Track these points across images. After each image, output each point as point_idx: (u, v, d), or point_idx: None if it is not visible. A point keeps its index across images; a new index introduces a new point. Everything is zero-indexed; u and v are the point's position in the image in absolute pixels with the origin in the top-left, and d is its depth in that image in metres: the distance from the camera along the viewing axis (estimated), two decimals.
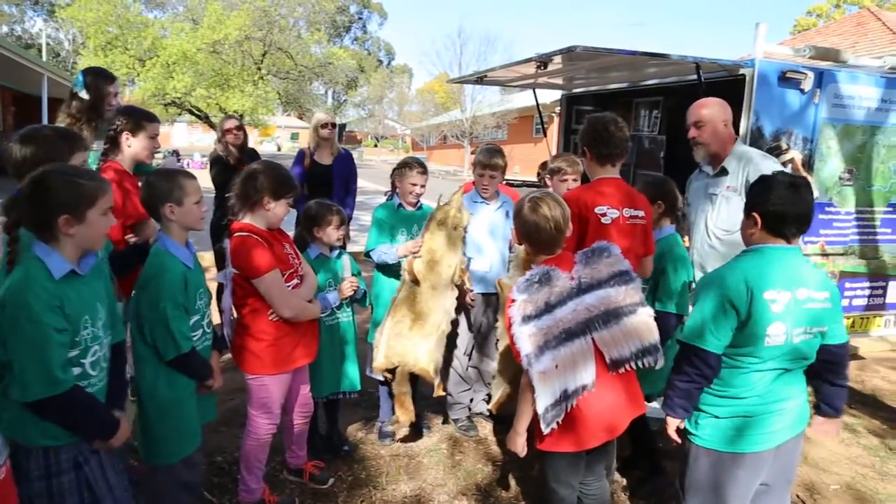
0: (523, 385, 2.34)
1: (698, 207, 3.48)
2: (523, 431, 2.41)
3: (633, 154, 6.24)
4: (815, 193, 2.98)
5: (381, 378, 3.64)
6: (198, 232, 2.62)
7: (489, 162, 3.70)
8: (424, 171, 3.63)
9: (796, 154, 4.13)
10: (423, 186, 3.60)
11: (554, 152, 5.83)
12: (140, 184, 2.92)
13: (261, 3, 25.68)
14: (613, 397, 2.36)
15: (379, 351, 3.35)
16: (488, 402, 3.52)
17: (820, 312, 2.15)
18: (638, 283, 2.44)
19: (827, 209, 4.33)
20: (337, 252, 3.47)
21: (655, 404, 3.27)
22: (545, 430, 2.26)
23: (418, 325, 3.33)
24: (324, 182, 5.07)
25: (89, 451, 2.00)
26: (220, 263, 3.81)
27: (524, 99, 27.88)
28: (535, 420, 2.31)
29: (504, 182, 4.04)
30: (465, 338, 3.86)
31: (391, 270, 3.59)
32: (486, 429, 4.01)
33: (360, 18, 63.73)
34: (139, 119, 3.16)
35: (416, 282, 3.32)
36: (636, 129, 6.35)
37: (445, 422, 4.05)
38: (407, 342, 3.31)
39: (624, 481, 3.41)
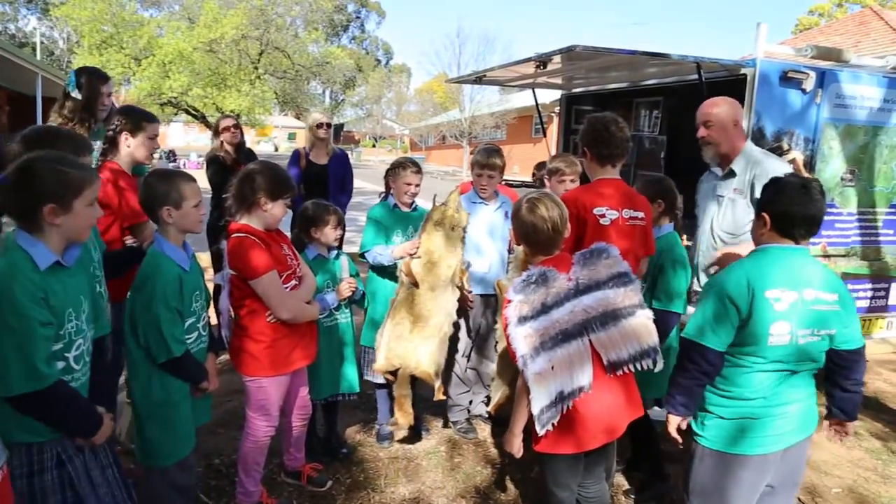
0: (519, 386, 2.34)
1: (705, 209, 3.42)
2: (519, 432, 2.41)
3: (633, 154, 6.23)
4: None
5: (379, 381, 3.62)
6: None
7: (487, 162, 3.67)
8: (419, 170, 3.61)
9: (798, 155, 4.11)
10: (417, 186, 3.58)
11: (553, 152, 5.81)
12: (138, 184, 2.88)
13: (257, 1, 25.60)
14: (612, 399, 2.35)
15: (379, 353, 3.32)
16: (487, 404, 3.50)
17: (828, 314, 2.14)
18: (637, 285, 2.42)
19: (829, 210, 4.30)
20: (335, 253, 3.44)
21: (658, 408, 3.25)
22: (540, 431, 2.25)
23: (419, 327, 3.30)
24: (319, 182, 5.08)
25: (73, 449, 1.95)
26: (218, 265, 3.78)
27: (523, 99, 27.86)
28: (531, 421, 2.29)
29: (503, 182, 4.01)
30: (464, 340, 3.83)
31: (386, 272, 3.56)
32: (485, 431, 3.98)
33: (357, 17, 63.68)
34: (138, 119, 3.13)
35: (415, 284, 3.29)
36: (636, 130, 6.33)
37: (446, 425, 4.02)
38: (408, 344, 3.28)
39: (625, 485, 3.39)
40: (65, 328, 1.88)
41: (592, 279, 2.35)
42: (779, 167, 3.04)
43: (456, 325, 3.51)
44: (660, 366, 2.37)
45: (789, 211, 2.13)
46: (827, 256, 4.28)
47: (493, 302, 3.71)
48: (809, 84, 4.09)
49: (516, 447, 2.44)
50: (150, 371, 2.39)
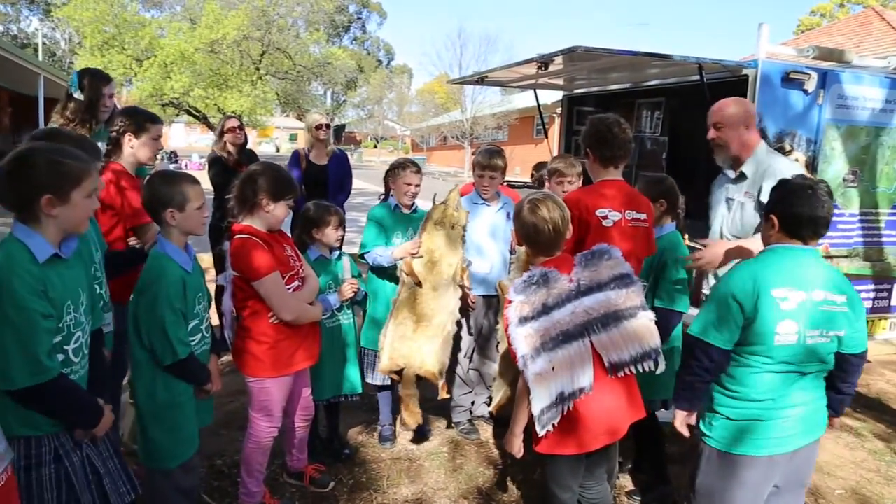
0: (520, 387, 2.34)
1: (716, 212, 3.36)
2: (520, 433, 2.41)
3: (634, 155, 6.21)
4: None
5: (379, 382, 3.62)
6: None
7: (489, 163, 3.67)
8: (419, 170, 3.61)
9: (800, 156, 4.10)
10: (418, 186, 3.57)
11: (555, 153, 5.80)
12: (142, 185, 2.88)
13: (259, 2, 25.62)
14: (613, 400, 2.35)
15: (383, 354, 3.32)
16: (489, 404, 3.49)
17: (837, 315, 2.14)
18: (639, 287, 2.43)
19: None
20: (337, 254, 3.44)
21: (665, 409, 3.25)
22: (540, 432, 2.26)
23: (422, 326, 3.30)
24: (319, 182, 5.09)
25: (70, 444, 1.94)
26: (220, 266, 3.78)
27: (525, 99, 27.85)
28: (533, 422, 2.29)
29: (504, 183, 4.01)
30: (466, 340, 3.83)
31: (386, 273, 3.56)
32: (487, 432, 3.98)
33: (359, 18, 63.62)
34: (142, 120, 3.13)
35: (418, 283, 3.29)
36: (638, 131, 6.31)
37: (449, 426, 4.02)
38: (412, 344, 3.29)
39: (627, 486, 3.38)
40: (63, 321, 1.87)
41: (594, 280, 2.35)
42: (786, 167, 2.98)
43: (458, 324, 3.51)
44: (661, 367, 2.37)
45: (797, 212, 2.14)
46: (829, 258, 4.27)
47: (495, 303, 3.71)
48: (811, 85, 4.09)
49: (517, 448, 2.44)
50: (154, 373, 2.39)
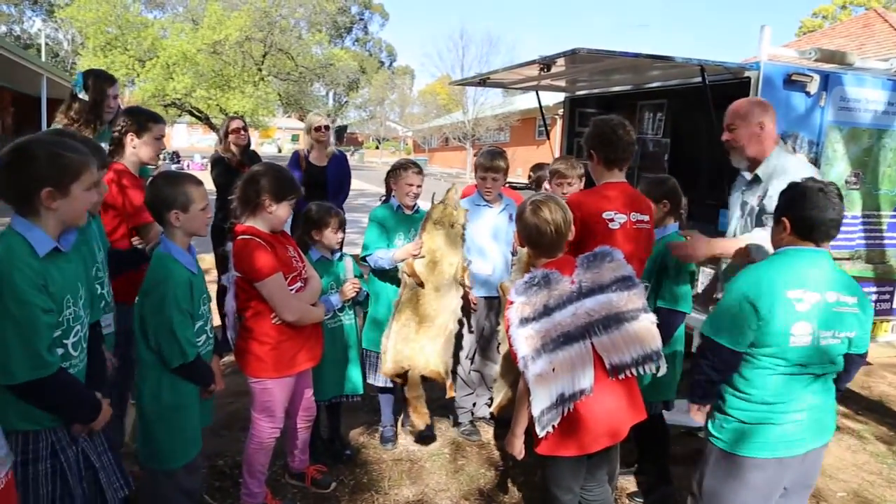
0: (520, 388, 2.34)
1: (733, 214, 3.25)
2: (520, 434, 2.41)
3: (637, 157, 6.20)
4: None
5: (381, 384, 3.62)
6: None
7: (491, 164, 3.67)
8: (420, 171, 3.61)
9: (802, 158, 4.09)
10: (419, 187, 3.57)
11: (557, 155, 5.81)
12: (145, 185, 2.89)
13: (261, 3, 25.67)
14: (614, 402, 2.34)
15: (387, 356, 3.32)
16: (491, 405, 3.49)
17: (849, 317, 2.15)
18: (641, 289, 2.42)
19: None
20: (339, 255, 3.44)
21: (666, 412, 3.25)
22: (540, 433, 2.26)
23: (425, 327, 3.30)
24: (318, 184, 5.08)
25: (67, 440, 1.94)
26: (223, 267, 3.78)
27: (527, 101, 27.83)
28: (534, 423, 2.29)
29: (506, 185, 4.01)
30: (467, 341, 3.83)
31: (387, 275, 3.56)
32: (488, 433, 3.98)
33: (361, 19, 63.63)
34: (144, 120, 3.13)
35: (420, 284, 3.29)
36: (640, 132, 6.31)
37: (456, 424, 4.01)
38: (415, 345, 3.29)
39: (628, 488, 3.38)
40: (63, 315, 1.86)
41: (595, 282, 2.35)
42: (794, 167, 2.86)
43: (460, 323, 3.51)
44: (663, 370, 2.37)
45: (808, 215, 2.14)
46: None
47: (496, 304, 3.71)
48: (813, 87, 4.08)
49: (517, 449, 2.44)
50: (160, 375, 2.39)
